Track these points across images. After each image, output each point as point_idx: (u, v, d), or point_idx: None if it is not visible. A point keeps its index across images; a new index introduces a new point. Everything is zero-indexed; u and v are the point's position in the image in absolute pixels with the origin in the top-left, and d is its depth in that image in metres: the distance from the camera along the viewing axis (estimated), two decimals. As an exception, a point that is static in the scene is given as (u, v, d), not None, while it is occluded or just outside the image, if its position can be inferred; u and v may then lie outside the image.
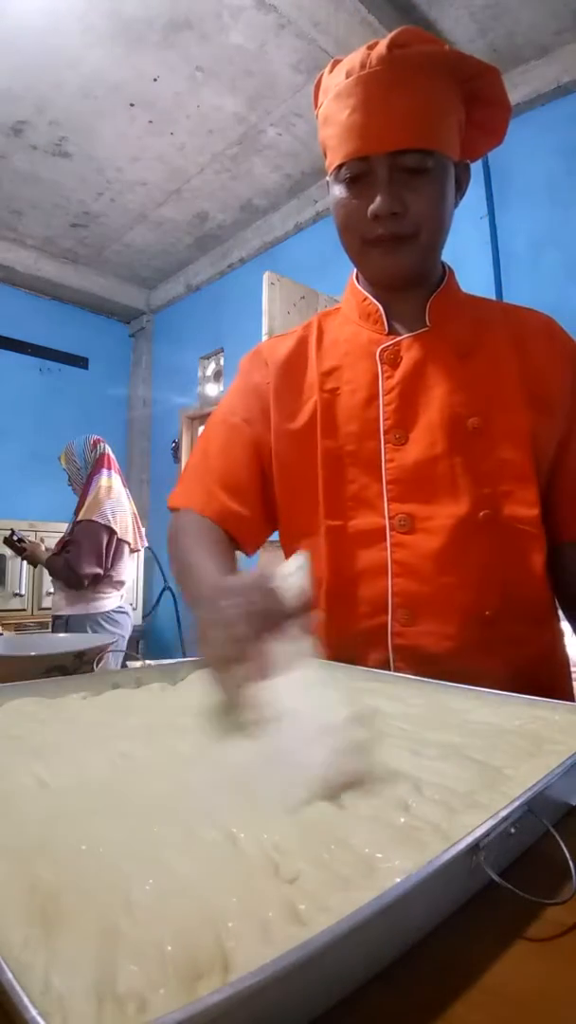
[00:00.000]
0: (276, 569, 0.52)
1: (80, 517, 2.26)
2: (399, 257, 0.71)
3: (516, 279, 2.60)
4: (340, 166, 0.70)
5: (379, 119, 0.66)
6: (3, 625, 3.15)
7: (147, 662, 1.13)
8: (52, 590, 2.40)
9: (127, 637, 2.38)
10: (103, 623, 2.25)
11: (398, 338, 0.75)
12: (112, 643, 0.87)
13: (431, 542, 0.69)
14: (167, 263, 4.32)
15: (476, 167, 2.55)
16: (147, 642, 4.08)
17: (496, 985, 0.24)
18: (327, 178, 0.75)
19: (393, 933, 0.25)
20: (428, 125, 0.67)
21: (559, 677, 0.76)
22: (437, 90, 0.67)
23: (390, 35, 0.66)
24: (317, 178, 3.28)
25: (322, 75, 0.73)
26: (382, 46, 0.65)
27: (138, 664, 1.10)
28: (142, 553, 2.98)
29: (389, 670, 0.69)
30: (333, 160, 0.71)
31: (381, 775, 0.37)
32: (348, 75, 0.67)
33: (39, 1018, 0.17)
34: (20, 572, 3.55)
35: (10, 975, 0.19)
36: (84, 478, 2.35)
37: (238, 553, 0.79)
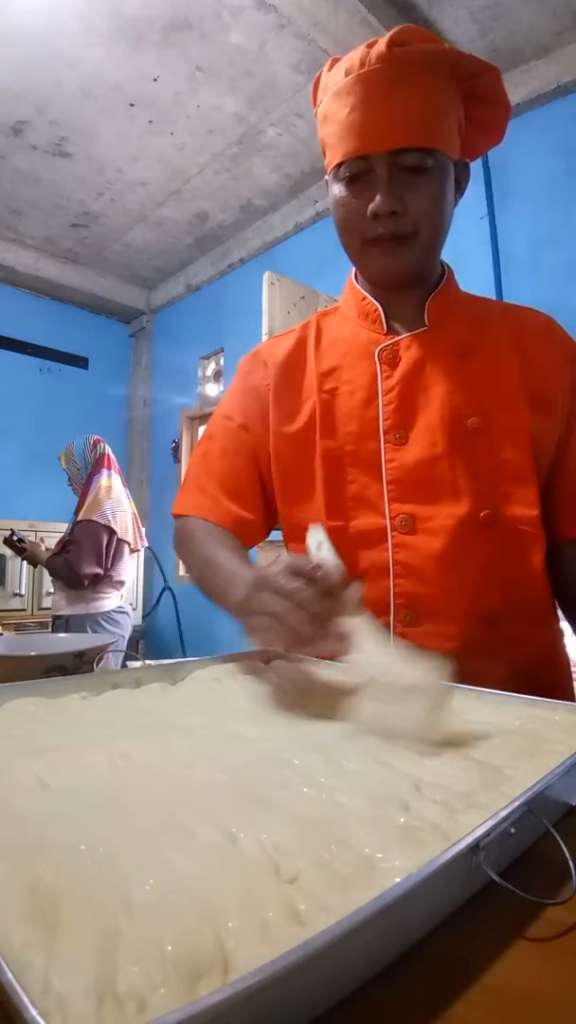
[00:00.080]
0: (305, 550, 0.57)
1: (80, 517, 2.26)
2: (399, 256, 0.71)
3: (516, 279, 2.60)
4: (339, 165, 0.70)
5: (379, 117, 0.66)
6: (3, 625, 3.15)
7: (147, 662, 1.13)
8: (52, 590, 2.40)
9: (127, 637, 2.38)
10: (103, 623, 2.25)
11: (397, 338, 0.75)
12: (112, 643, 0.87)
13: (432, 542, 0.69)
14: (167, 263, 4.32)
15: (476, 167, 2.56)
16: (147, 642, 4.08)
17: (496, 985, 0.24)
18: (326, 177, 0.74)
19: (393, 933, 0.25)
20: (428, 123, 0.66)
21: (560, 677, 0.76)
22: (437, 88, 0.66)
23: (390, 33, 0.66)
24: (317, 178, 3.28)
25: (321, 73, 0.73)
26: (382, 44, 0.65)
27: (138, 664, 1.10)
28: (142, 553, 2.99)
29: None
30: (332, 159, 0.71)
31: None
32: (347, 73, 0.67)
33: (39, 1018, 0.17)
34: (20, 572, 3.55)
35: (10, 975, 0.19)
36: (84, 478, 2.35)
37: None
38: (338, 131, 0.68)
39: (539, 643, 0.75)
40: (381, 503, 0.72)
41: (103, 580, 2.26)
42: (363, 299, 0.79)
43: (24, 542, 2.37)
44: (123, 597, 2.38)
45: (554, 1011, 0.23)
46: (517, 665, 0.68)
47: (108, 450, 2.41)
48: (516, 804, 0.31)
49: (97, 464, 2.35)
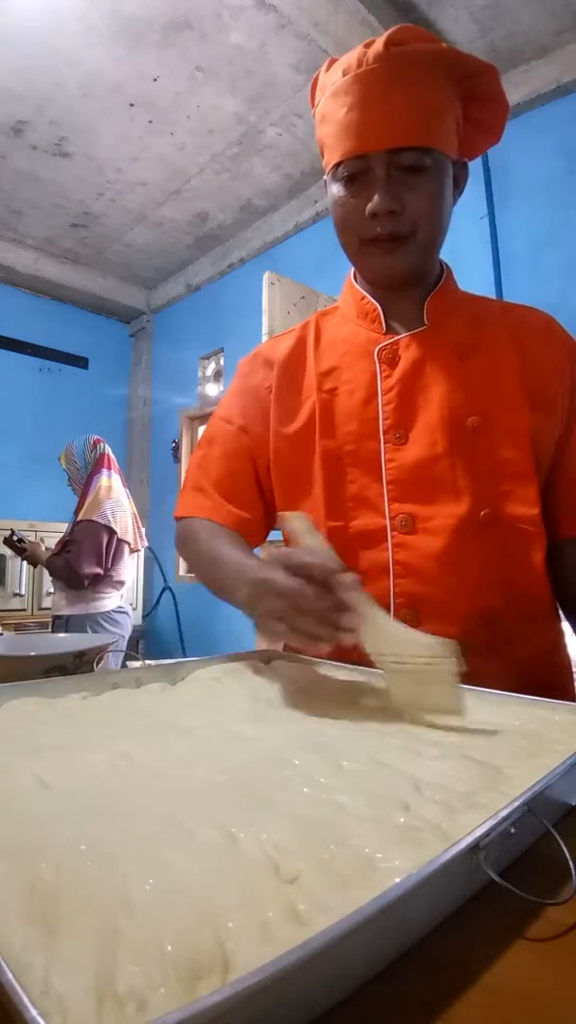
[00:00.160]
0: (295, 542, 0.58)
1: (80, 517, 2.26)
2: (397, 256, 0.71)
3: (516, 279, 2.60)
4: (338, 164, 0.70)
5: (377, 117, 0.66)
6: (3, 625, 3.15)
7: (147, 662, 1.13)
8: (52, 590, 2.40)
9: (127, 637, 2.38)
10: (103, 623, 2.25)
11: (396, 337, 0.75)
12: (112, 643, 0.87)
13: (433, 542, 0.69)
14: (167, 263, 4.32)
15: (476, 167, 2.56)
16: (147, 642, 4.08)
17: (496, 985, 0.24)
18: (325, 177, 0.74)
19: (393, 933, 0.25)
20: (426, 122, 0.66)
21: (561, 676, 0.76)
22: (435, 88, 0.66)
23: (387, 33, 0.66)
24: (317, 178, 3.28)
25: (319, 74, 0.73)
26: (379, 44, 0.65)
27: (138, 664, 1.10)
28: (142, 553, 2.99)
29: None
30: (331, 158, 0.71)
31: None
32: (345, 73, 0.67)
33: (39, 1018, 0.17)
34: (20, 572, 3.55)
35: (10, 975, 0.19)
36: (84, 478, 2.35)
37: None
38: (336, 131, 0.68)
39: (540, 642, 0.74)
40: (381, 503, 0.72)
41: (103, 580, 2.26)
42: (362, 299, 0.79)
43: (24, 542, 2.37)
44: (123, 597, 2.38)
45: (554, 1011, 0.23)
46: (518, 664, 0.68)
47: (108, 450, 2.41)
48: (516, 804, 0.31)
49: (97, 464, 2.36)
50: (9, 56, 2.54)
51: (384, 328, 0.77)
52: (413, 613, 0.69)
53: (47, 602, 3.23)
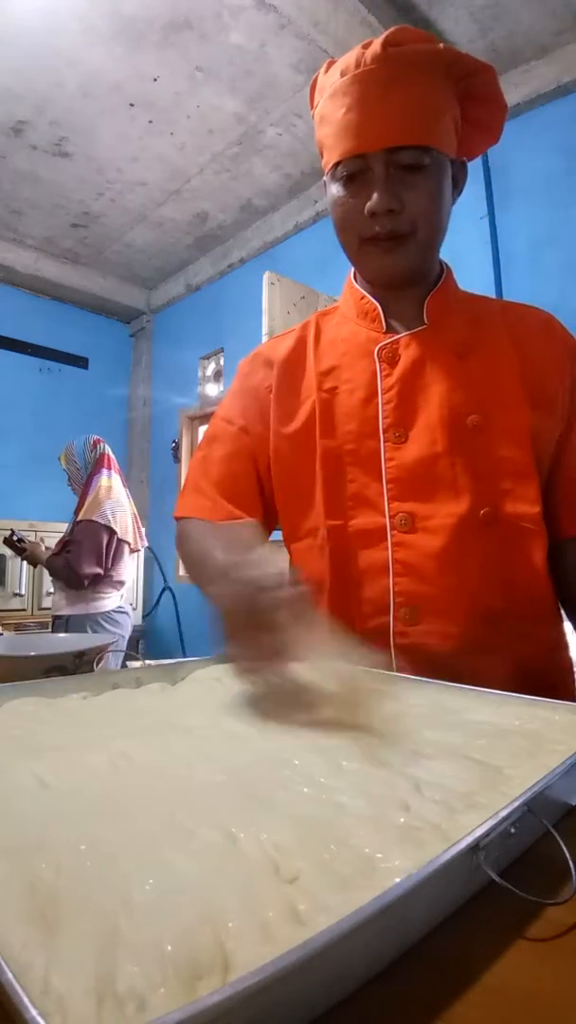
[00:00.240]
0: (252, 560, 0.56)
1: (80, 517, 2.26)
2: (397, 255, 0.71)
3: (516, 279, 2.60)
4: (337, 164, 0.70)
5: (375, 116, 0.66)
6: (3, 625, 3.15)
7: (147, 662, 1.13)
8: (52, 590, 2.40)
9: (127, 637, 2.38)
10: (103, 623, 2.25)
11: (396, 336, 0.75)
12: (112, 643, 0.87)
13: (432, 541, 0.69)
14: (167, 263, 4.32)
15: (476, 167, 2.56)
16: (147, 642, 4.08)
17: (496, 985, 0.24)
18: (324, 177, 0.75)
19: (393, 933, 0.25)
20: (424, 122, 0.67)
21: (562, 676, 0.76)
22: (433, 87, 0.67)
23: (385, 33, 0.66)
24: (317, 178, 3.28)
25: (318, 75, 0.73)
26: (377, 44, 0.65)
27: (138, 664, 1.10)
28: (142, 553, 2.99)
29: (391, 670, 0.69)
30: (330, 159, 0.71)
31: (381, 774, 0.38)
32: (343, 74, 0.67)
33: (39, 1018, 0.17)
34: (20, 572, 3.55)
35: (10, 975, 0.19)
36: (84, 478, 2.35)
37: None
38: (335, 131, 0.68)
39: (541, 642, 0.74)
40: (381, 502, 0.72)
41: (103, 580, 2.26)
42: (362, 298, 0.79)
43: (24, 542, 2.37)
44: (123, 597, 2.38)
45: (554, 1011, 0.23)
46: (518, 664, 0.67)
47: (108, 450, 2.41)
48: (516, 804, 0.31)
49: (97, 464, 2.36)
50: (9, 56, 2.54)
51: (384, 327, 0.77)
52: (412, 612, 0.69)
53: (47, 602, 3.23)
